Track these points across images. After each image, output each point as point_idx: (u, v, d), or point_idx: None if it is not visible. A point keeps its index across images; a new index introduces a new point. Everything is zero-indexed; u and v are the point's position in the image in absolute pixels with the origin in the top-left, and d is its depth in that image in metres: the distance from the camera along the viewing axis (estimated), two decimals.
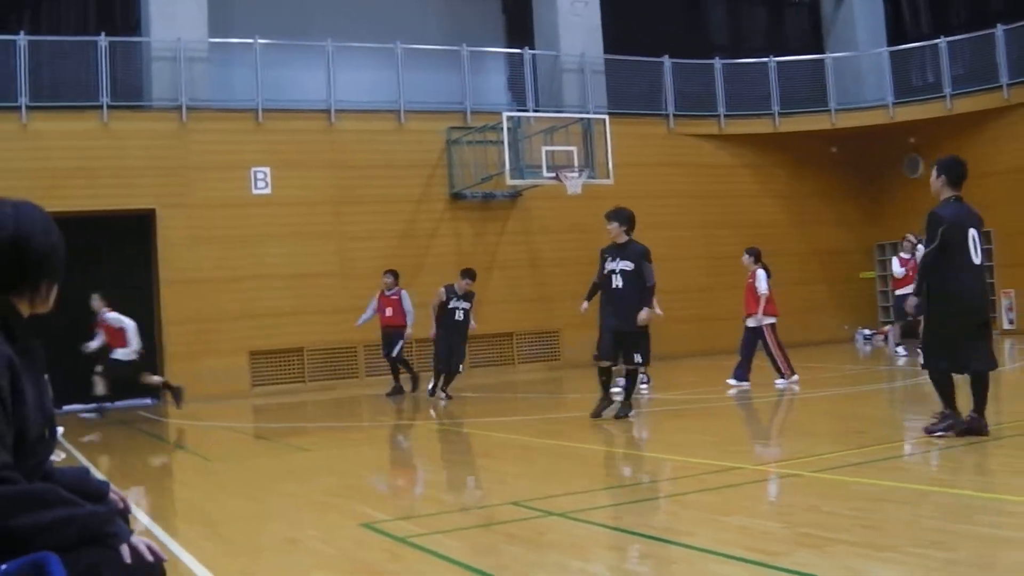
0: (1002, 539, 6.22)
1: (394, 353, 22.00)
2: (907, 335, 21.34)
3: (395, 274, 22.18)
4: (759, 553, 6.20)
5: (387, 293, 22.15)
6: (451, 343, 19.85)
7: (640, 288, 14.97)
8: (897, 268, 24.19)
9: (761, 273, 18.96)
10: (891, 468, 9.14)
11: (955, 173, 10.95)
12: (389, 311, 22.07)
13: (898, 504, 7.59)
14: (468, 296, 20.37)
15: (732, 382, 18.54)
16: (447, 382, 20.05)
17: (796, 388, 17.67)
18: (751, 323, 18.92)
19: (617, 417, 14.13)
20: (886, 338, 30.76)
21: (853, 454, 10.02)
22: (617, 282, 15.24)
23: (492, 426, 15.76)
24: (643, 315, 14.63)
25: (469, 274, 20.43)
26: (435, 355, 20.26)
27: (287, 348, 24.95)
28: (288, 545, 7.51)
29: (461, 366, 20.58)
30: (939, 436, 10.22)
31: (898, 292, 23.42)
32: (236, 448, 15.33)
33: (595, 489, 8.87)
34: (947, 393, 10.44)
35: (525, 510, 8.05)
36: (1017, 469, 8.93)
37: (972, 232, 10.52)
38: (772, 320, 18.79)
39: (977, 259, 10.54)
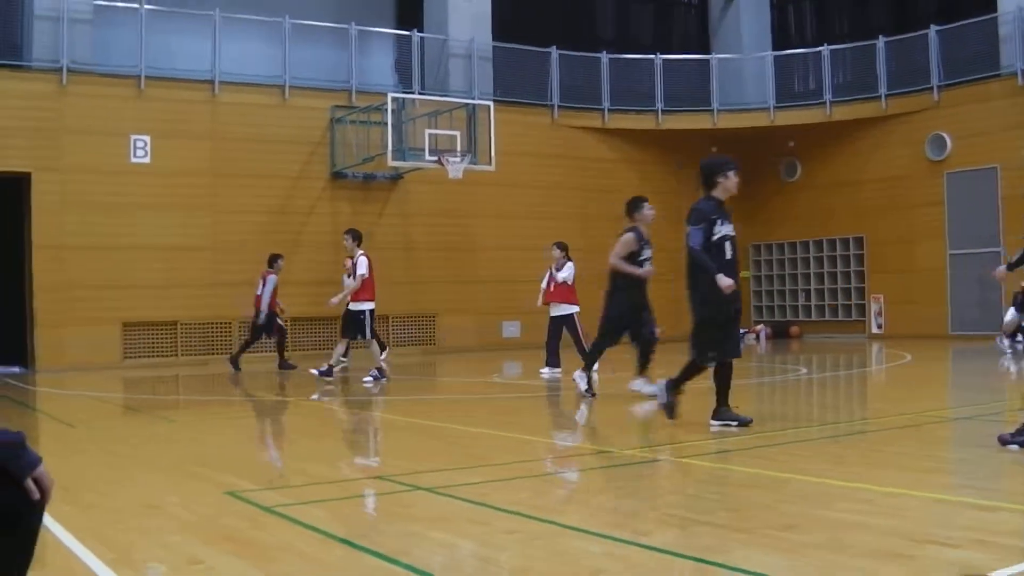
0: (856, 524, 6.37)
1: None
2: None
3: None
4: (624, 531, 6.29)
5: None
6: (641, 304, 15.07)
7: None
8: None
9: (570, 265, 20.16)
10: (757, 456, 9.30)
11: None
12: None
13: (759, 490, 7.74)
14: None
15: (545, 372, 19.30)
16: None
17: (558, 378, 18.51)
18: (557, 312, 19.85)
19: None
20: (758, 336, 31.27)
21: (718, 443, 10.20)
22: (730, 251, 11.87)
23: (363, 404, 15.76)
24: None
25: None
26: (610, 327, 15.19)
27: (160, 321, 24.68)
28: (148, 510, 7.42)
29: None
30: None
31: None
32: (101, 417, 15.11)
33: (464, 467, 8.90)
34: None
35: (391, 483, 8.07)
36: (875, 461, 9.14)
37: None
38: (576, 308, 19.90)
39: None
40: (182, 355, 24.78)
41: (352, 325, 18.63)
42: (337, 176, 26.91)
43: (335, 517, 7.03)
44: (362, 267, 18.34)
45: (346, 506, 7.41)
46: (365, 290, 18.54)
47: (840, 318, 32.14)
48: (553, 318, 19.90)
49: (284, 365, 22.74)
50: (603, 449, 9.77)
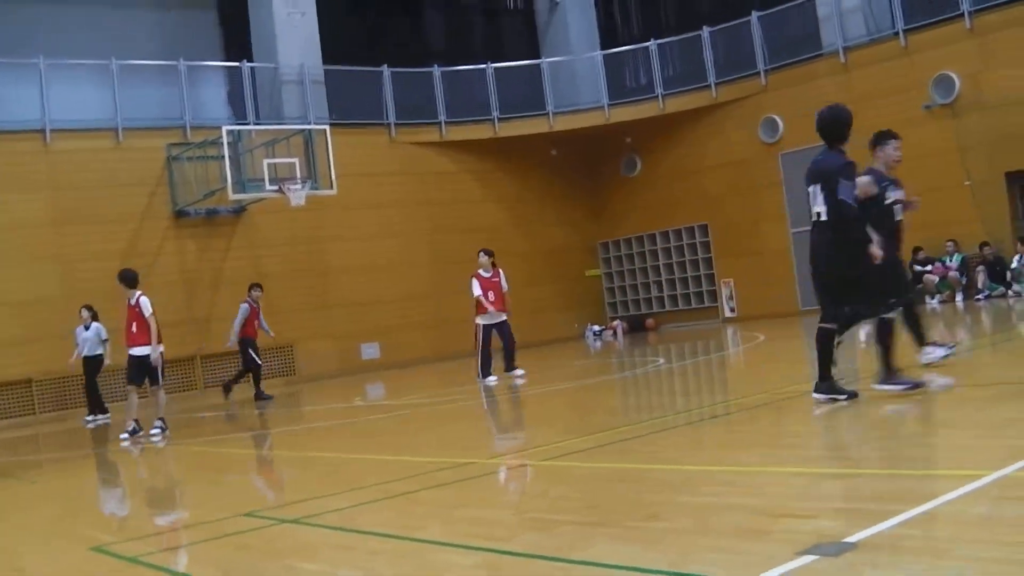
0: (717, 505, 6.52)
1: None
2: None
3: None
4: (488, 540, 6.35)
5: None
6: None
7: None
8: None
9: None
10: (620, 451, 9.43)
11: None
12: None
13: (622, 483, 7.87)
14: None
15: (492, 380, 19.24)
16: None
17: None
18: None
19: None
20: (615, 332, 31.60)
21: (582, 441, 10.30)
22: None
23: (227, 443, 15.64)
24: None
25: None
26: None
27: (14, 380, 24.12)
28: (14, 573, 7.32)
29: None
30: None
31: None
32: None
33: (329, 494, 8.89)
34: None
35: (257, 520, 8.03)
36: (733, 442, 9.35)
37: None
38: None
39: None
40: (40, 412, 24.26)
41: (143, 370, 16.85)
42: (180, 214, 26.62)
43: (200, 560, 7.00)
44: (148, 308, 16.74)
45: (211, 548, 7.35)
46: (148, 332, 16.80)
47: (693, 306, 32.62)
48: (493, 325, 19.57)
49: (259, 396, 22.76)
50: (466, 461, 9.82)
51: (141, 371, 16.65)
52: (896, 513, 5.58)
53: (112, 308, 22.98)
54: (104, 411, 21.76)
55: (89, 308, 21.67)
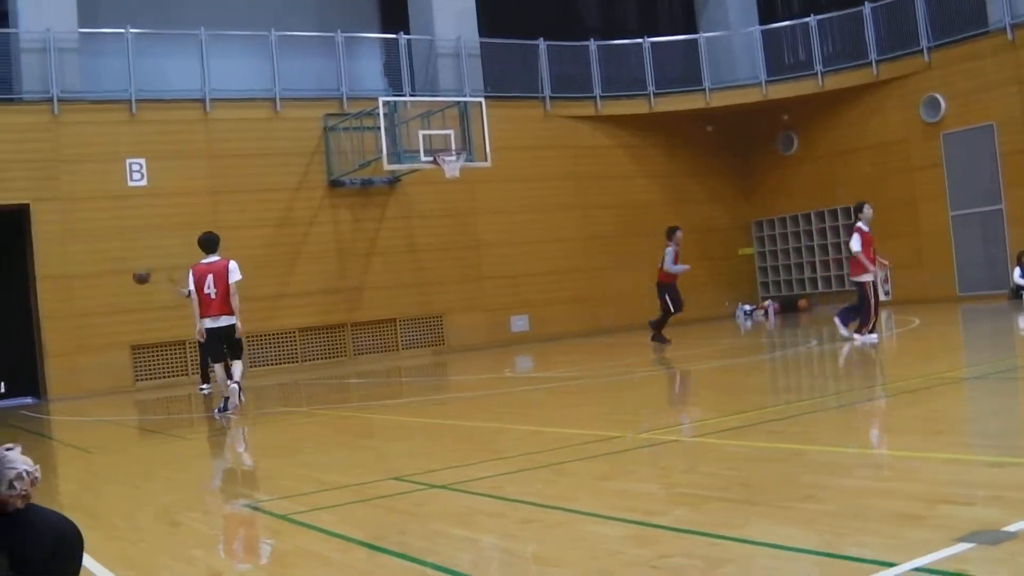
0: (875, 490, 6.40)
1: None
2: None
3: None
4: (638, 513, 6.31)
5: None
6: None
7: None
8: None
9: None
10: (771, 431, 9.32)
11: None
12: None
13: (774, 463, 7.76)
14: None
15: None
16: None
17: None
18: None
19: None
20: (766, 312, 31.26)
21: (732, 420, 10.20)
22: None
23: (375, 409, 15.80)
24: None
25: None
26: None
27: (168, 341, 24.64)
28: (169, 527, 7.46)
29: None
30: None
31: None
32: (117, 440, 15.17)
33: (476, 462, 8.92)
34: None
35: (406, 484, 8.09)
36: (888, 427, 9.18)
37: None
38: None
39: None
40: (192, 374, 24.74)
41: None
42: (335, 184, 26.90)
43: (352, 521, 7.05)
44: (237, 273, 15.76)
45: (360, 509, 7.42)
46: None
47: (847, 287, 32.05)
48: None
49: (656, 337, 23.02)
50: (614, 435, 9.77)
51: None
52: None
53: (263, 275, 23.45)
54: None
55: None
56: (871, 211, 19.19)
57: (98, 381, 23.63)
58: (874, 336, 18.37)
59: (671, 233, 23.11)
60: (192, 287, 15.76)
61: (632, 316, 29.89)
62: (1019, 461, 7.04)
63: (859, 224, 18.86)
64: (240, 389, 15.82)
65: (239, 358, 16.12)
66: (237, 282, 15.50)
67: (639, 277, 30.57)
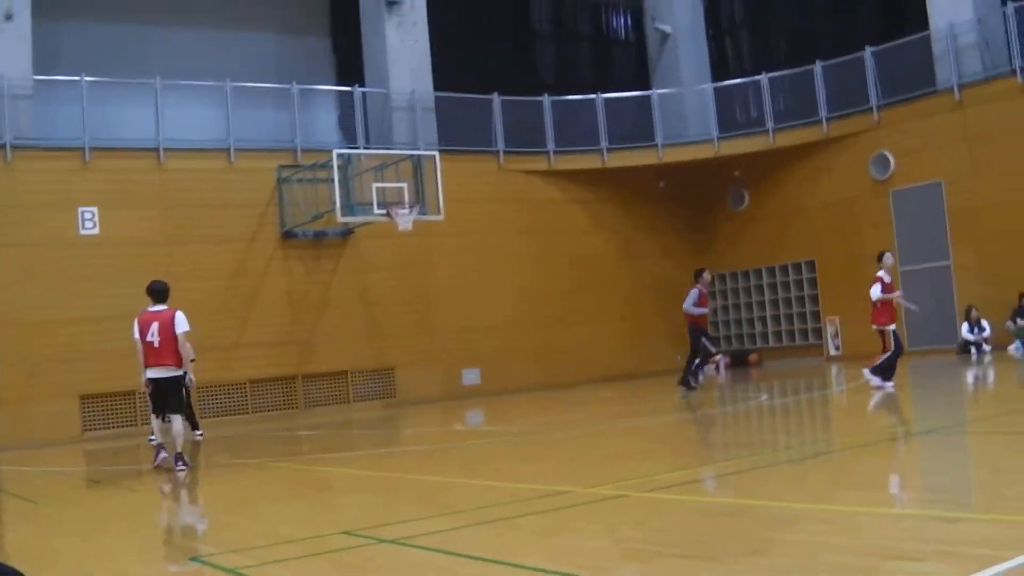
0: (825, 545, 6.42)
1: None
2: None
3: None
4: (587, 569, 6.31)
5: None
6: None
7: None
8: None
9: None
10: (722, 485, 9.36)
11: None
12: None
13: (724, 517, 7.78)
14: None
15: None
16: None
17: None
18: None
19: None
20: (717, 367, 31.35)
21: (682, 474, 10.22)
22: None
23: (326, 462, 15.72)
24: None
25: None
26: None
27: (118, 391, 24.43)
28: None
29: None
30: None
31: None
32: (65, 491, 15.00)
33: (426, 516, 8.90)
34: None
35: (356, 538, 8.05)
36: (839, 482, 9.21)
37: None
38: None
39: None
40: (142, 424, 24.53)
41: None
42: (288, 236, 26.88)
43: None
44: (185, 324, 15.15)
45: (309, 564, 7.38)
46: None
47: (797, 343, 32.28)
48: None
49: (685, 382, 22.91)
50: (564, 489, 9.78)
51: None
52: (1003, 560, 5.47)
53: (216, 326, 23.34)
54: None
55: None
56: (891, 259, 19.41)
57: (47, 430, 23.41)
58: (891, 385, 18.47)
59: (697, 275, 23.27)
60: (135, 335, 14.98)
61: (587, 370, 30.02)
62: (969, 516, 7.09)
63: (880, 273, 19.03)
64: (171, 450, 15.15)
65: (176, 412, 15.24)
66: (185, 333, 14.90)
67: (594, 330, 30.70)
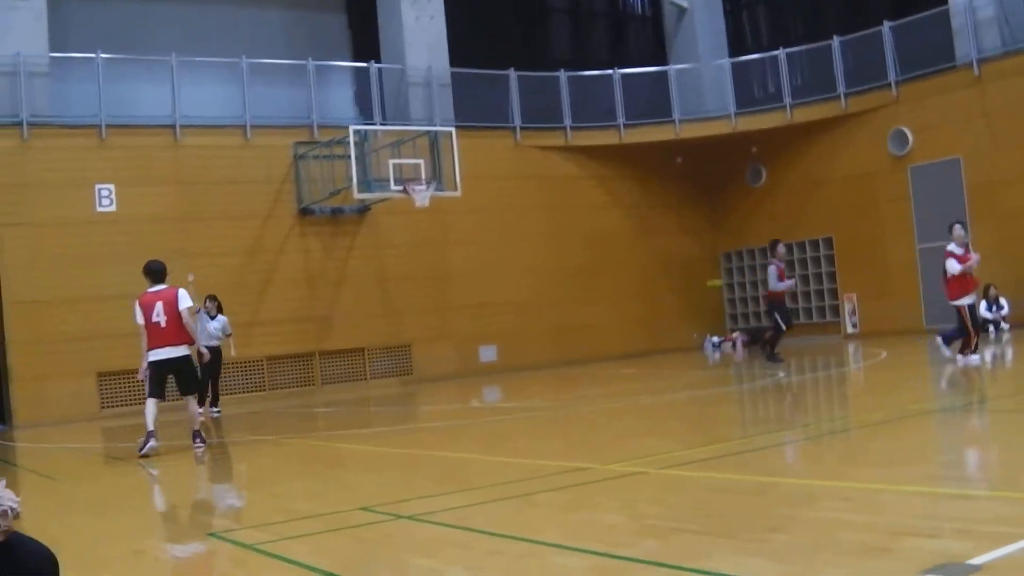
0: (842, 522, 6.41)
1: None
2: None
3: None
4: (605, 544, 6.32)
5: None
6: None
7: None
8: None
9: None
10: (739, 463, 9.35)
11: None
12: None
13: (742, 495, 7.78)
14: None
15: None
16: None
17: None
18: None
19: None
20: (734, 344, 31.33)
21: (700, 452, 10.21)
22: None
23: (343, 438, 15.75)
24: None
25: None
26: None
27: (136, 368, 24.36)
28: (134, 556, 7.42)
29: None
30: None
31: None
32: (83, 468, 15.08)
33: (444, 493, 8.91)
34: None
35: (374, 514, 8.07)
36: (855, 459, 9.20)
37: None
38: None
39: None
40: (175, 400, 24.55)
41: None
42: (305, 212, 26.88)
43: (319, 552, 7.02)
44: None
45: (328, 539, 7.40)
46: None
47: (815, 320, 32.19)
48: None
49: (771, 356, 23.02)
50: (582, 466, 9.78)
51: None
52: (1020, 537, 5.47)
53: (232, 302, 23.34)
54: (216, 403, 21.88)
55: (214, 299, 21.71)
56: (961, 231, 18.61)
57: (65, 408, 23.48)
58: (976, 357, 17.90)
59: (772, 247, 23.08)
60: (139, 320, 14.86)
61: (603, 347, 29.99)
62: (985, 494, 7.08)
63: (950, 247, 18.44)
64: (200, 437, 14.97)
65: (192, 393, 15.21)
66: (189, 308, 14.79)
67: (609, 307, 30.68)
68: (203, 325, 21.64)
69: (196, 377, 15.55)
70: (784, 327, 22.87)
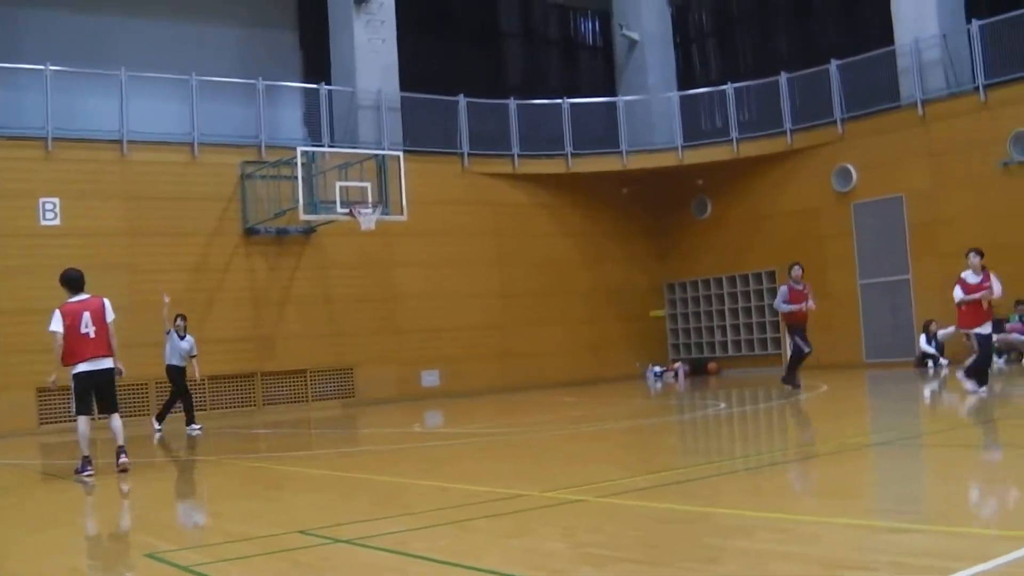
0: (777, 554, 6.46)
1: None
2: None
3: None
4: (543, 572, 6.34)
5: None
6: None
7: None
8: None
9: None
10: (678, 492, 9.38)
11: None
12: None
13: (680, 524, 7.82)
14: None
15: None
16: None
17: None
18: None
19: None
20: (676, 374, 31.44)
21: (640, 480, 10.26)
22: None
23: (283, 460, 15.69)
24: None
25: None
26: None
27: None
28: (70, 574, 7.37)
29: None
30: None
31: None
32: (19, 484, 14.93)
33: (383, 517, 8.90)
34: None
35: (311, 538, 8.04)
36: (793, 491, 9.28)
37: None
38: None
39: None
40: (99, 417, 24.35)
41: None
42: (250, 232, 26.80)
43: (253, 574, 7.01)
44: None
45: (264, 562, 7.37)
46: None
47: (757, 352, 32.40)
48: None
49: (788, 380, 22.70)
50: (521, 493, 9.80)
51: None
52: (952, 571, 5.53)
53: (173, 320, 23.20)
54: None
55: (184, 317, 21.70)
56: (976, 258, 17.85)
57: (3, 422, 23.25)
58: (971, 384, 17.78)
59: (789, 270, 22.72)
60: (60, 328, 13.85)
61: (546, 374, 30.06)
62: (920, 527, 7.15)
63: (964, 275, 17.95)
64: (125, 452, 14.34)
65: (116, 411, 14.45)
66: (113, 322, 14.02)
67: (555, 335, 30.76)
68: (174, 344, 21.59)
69: (116, 393, 14.60)
70: (804, 350, 22.32)
